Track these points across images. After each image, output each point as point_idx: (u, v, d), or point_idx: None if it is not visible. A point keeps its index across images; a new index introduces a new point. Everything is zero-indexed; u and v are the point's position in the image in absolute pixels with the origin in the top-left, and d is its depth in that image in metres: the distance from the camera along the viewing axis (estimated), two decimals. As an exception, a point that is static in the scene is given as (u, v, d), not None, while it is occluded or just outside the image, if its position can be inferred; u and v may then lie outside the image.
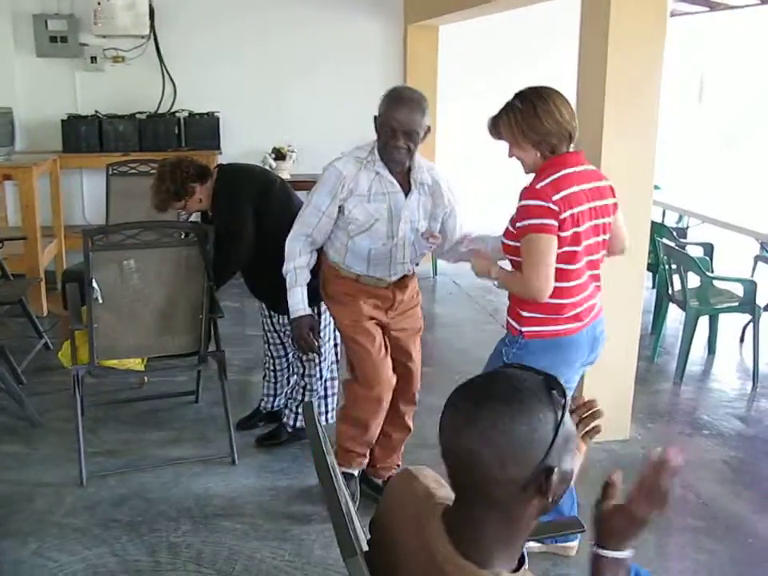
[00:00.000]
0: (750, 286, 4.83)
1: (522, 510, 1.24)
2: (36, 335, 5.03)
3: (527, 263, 2.49)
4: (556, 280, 2.49)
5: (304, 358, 3.65)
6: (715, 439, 4.07)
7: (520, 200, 2.53)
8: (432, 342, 5.59)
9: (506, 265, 2.68)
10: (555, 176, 2.49)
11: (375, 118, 2.94)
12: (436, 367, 4.94)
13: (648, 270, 4.90)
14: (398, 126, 2.83)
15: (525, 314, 2.61)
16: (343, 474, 3.24)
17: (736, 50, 8.86)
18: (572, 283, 2.58)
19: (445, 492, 1.38)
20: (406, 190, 2.98)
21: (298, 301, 3.04)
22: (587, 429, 1.49)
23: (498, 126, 2.61)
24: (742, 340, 5.52)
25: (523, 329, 2.62)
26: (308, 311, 3.05)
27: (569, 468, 1.26)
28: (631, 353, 3.91)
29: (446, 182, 3.13)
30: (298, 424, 3.79)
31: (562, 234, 2.47)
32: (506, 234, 2.62)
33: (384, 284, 3.09)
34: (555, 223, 2.44)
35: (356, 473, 3.28)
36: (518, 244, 2.53)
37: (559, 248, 2.48)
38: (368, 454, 3.29)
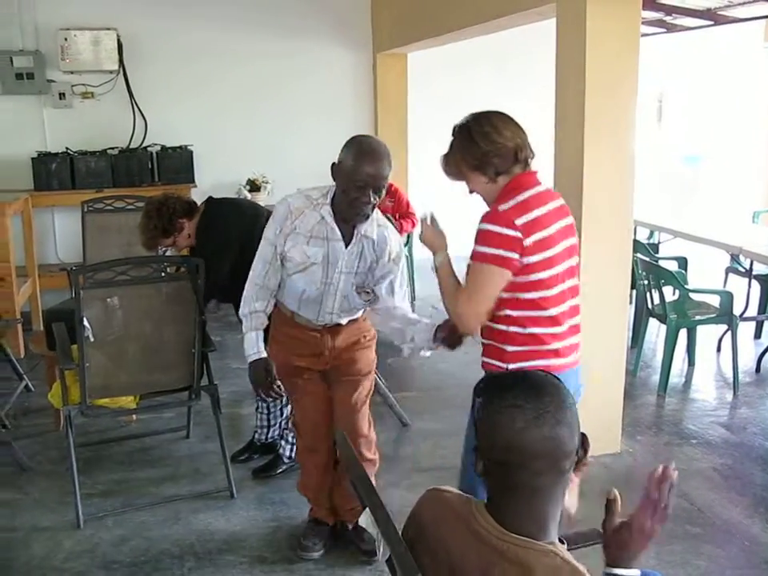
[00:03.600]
0: (727, 297, 4.94)
1: (568, 479, 1.42)
2: (16, 377, 4.95)
3: (468, 285, 2.34)
4: (533, 308, 2.34)
5: (269, 400, 3.63)
6: (703, 448, 4.14)
7: (480, 222, 2.34)
8: (415, 367, 5.62)
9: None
10: (519, 198, 2.32)
11: (335, 165, 2.77)
12: (422, 392, 4.97)
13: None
14: (371, 180, 2.66)
15: (510, 348, 2.38)
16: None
17: (691, 71, 9.08)
18: (552, 311, 2.36)
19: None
20: (348, 240, 2.82)
21: (252, 345, 2.88)
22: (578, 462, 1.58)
23: (445, 163, 2.53)
24: (719, 350, 5.63)
25: (509, 365, 2.39)
26: (263, 355, 2.89)
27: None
28: (619, 367, 3.98)
29: (395, 243, 2.97)
30: (294, 454, 3.78)
31: (530, 261, 2.29)
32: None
33: (314, 325, 2.97)
34: (515, 256, 2.27)
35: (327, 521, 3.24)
36: None
37: (528, 274, 2.31)
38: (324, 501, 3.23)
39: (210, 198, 3.77)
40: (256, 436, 3.98)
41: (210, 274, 3.41)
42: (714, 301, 5.06)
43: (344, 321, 3.00)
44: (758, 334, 5.96)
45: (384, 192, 2.78)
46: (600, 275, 3.71)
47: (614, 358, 3.92)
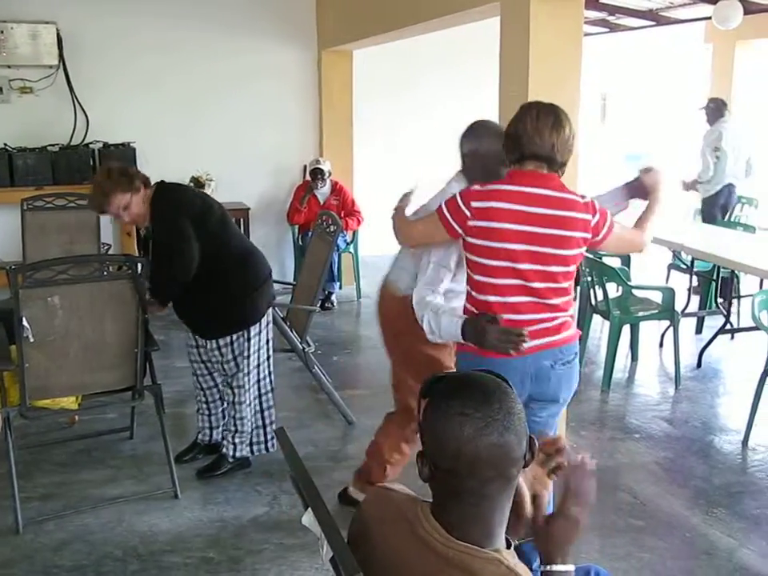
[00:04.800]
0: (669, 294, 5.03)
1: (517, 481, 1.40)
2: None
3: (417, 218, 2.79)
4: (476, 289, 2.53)
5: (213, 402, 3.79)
6: (646, 442, 4.22)
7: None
8: (362, 365, 5.63)
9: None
10: (490, 187, 2.49)
11: (470, 154, 2.91)
12: (369, 389, 4.96)
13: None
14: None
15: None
16: None
17: (635, 70, 9.23)
18: (490, 298, 2.50)
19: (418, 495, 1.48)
20: None
21: (450, 323, 2.53)
22: (553, 466, 1.60)
23: None
24: (661, 345, 5.74)
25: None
26: (463, 317, 2.54)
27: None
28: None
29: None
30: (238, 454, 3.75)
31: (471, 241, 2.50)
32: None
33: None
34: (456, 227, 2.51)
35: None
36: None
37: (470, 253, 2.53)
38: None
39: (161, 181, 3.67)
40: (199, 437, 3.93)
41: (180, 254, 3.43)
42: (657, 297, 5.15)
43: None
44: (698, 330, 6.09)
45: None
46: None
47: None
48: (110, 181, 3.45)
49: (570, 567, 1.50)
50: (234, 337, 3.64)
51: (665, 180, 2.81)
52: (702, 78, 9.74)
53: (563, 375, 2.60)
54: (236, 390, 3.69)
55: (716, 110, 6.87)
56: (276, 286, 3.97)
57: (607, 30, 8.75)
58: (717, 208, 6.99)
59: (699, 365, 5.40)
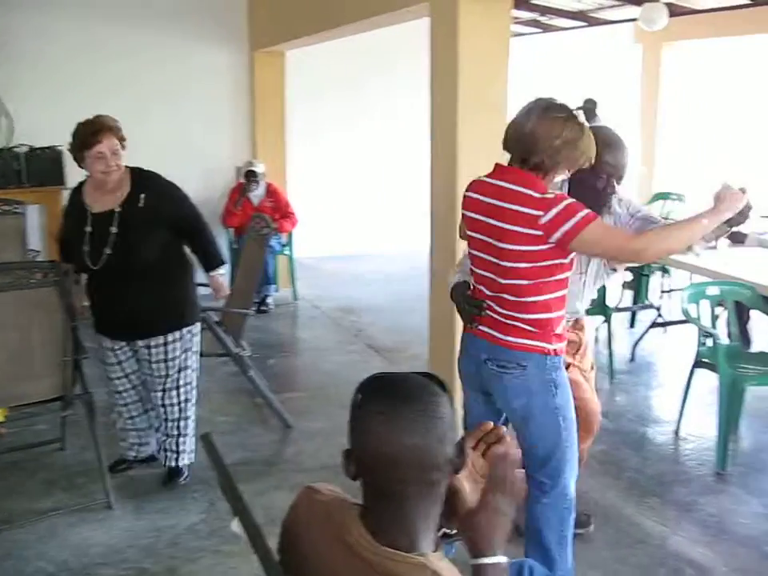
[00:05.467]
0: (601, 289, 5.10)
1: (443, 487, 1.39)
2: None
3: None
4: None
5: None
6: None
7: None
8: (298, 367, 5.60)
9: None
10: (478, 178, 2.62)
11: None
12: (306, 392, 4.94)
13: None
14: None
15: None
16: None
17: (566, 70, 9.35)
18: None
19: (349, 496, 1.46)
20: None
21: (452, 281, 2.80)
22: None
23: None
24: (596, 341, 5.82)
25: None
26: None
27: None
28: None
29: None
30: (173, 464, 3.68)
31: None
32: None
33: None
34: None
35: None
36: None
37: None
38: None
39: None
40: (130, 455, 3.81)
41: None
42: (589, 293, 5.22)
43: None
44: (631, 324, 6.21)
45: None
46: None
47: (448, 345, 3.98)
48: (97, 125, 3.36)
49: (501, 559, 1.46)
50: (185, 330, 3.57)
51: (739, 200, 2.44)
52: (633, 78, 9.93)
53: (501, 379, 2.55)
54: (181, 390, 3.60)
55: (591, 111, 6.99)
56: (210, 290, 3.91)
57: (540, 30, 8.85)
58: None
59: (633, 358, 5.51)
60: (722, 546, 3.24)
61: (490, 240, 2.49)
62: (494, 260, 2.49)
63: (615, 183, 2.81)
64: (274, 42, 6.71)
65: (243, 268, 4.69)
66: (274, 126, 7.28)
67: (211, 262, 3.70)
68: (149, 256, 3.38)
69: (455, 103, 3.64)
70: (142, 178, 3.46)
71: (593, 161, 2.52)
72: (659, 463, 4.01)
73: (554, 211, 2.36)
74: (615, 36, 9.56)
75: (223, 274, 3.75)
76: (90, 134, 3.33)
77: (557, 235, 2.37)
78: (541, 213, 2.37)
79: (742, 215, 2.48)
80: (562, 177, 2.55)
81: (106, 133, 3.33)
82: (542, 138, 2.40)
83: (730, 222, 2.49)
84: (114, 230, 3.35)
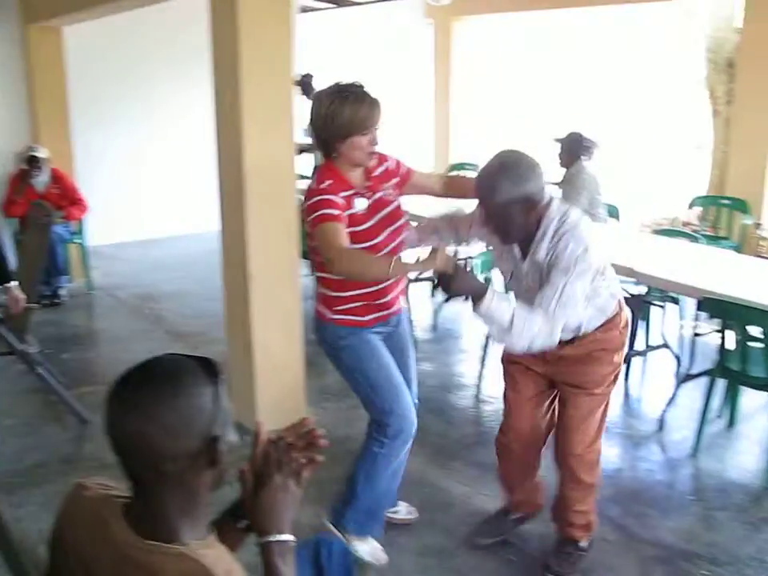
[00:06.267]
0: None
1: (196, 481, 1.34)
2: None
3: None
4: None
5: None
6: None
7: None
8: (96, 360, 5.32)
9: None
10: None
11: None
12: (104, 385, 4.64)
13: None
14: None
15: None
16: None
17: (362, 45, 9.42)
18: None
19: (122, 490, 1.42)
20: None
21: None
22: (306, 461, 1.54)
23: None
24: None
25: None
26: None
27: (234, 439, 1.38)
28: (294, 336, 4.01)
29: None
30: None
31: None
32: None
33: None
34: None
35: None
36: None
37: None
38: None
39: None
40: None
41: None
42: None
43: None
44: (433, 293, 6.36)
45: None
46: (269, 253, 3.79)
47: (288, 327, 3.97)
48: None
49: (287, 537, 1.45)
50: None
51: (444, 265, 2.55)
52: (427, 54, 10.13)
53: None
54: None
55: (308, 85, 7.14)
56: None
57: (334, 5, 8.82)
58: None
59: (435, 327, 5.65)
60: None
61: None
62: None
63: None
64: (47, 15, 6.24)
65: (24, 259, 4.36)
66: (55, 108, 6.78)
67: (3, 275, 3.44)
68: None
69: (237, 82, 3.52)
70: None
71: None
72: (462, 427, 4.14)
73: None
74: (409, 12, 9.73)
75: (18, 285, 3.48)
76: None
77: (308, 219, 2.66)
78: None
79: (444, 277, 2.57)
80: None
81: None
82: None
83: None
84: None
